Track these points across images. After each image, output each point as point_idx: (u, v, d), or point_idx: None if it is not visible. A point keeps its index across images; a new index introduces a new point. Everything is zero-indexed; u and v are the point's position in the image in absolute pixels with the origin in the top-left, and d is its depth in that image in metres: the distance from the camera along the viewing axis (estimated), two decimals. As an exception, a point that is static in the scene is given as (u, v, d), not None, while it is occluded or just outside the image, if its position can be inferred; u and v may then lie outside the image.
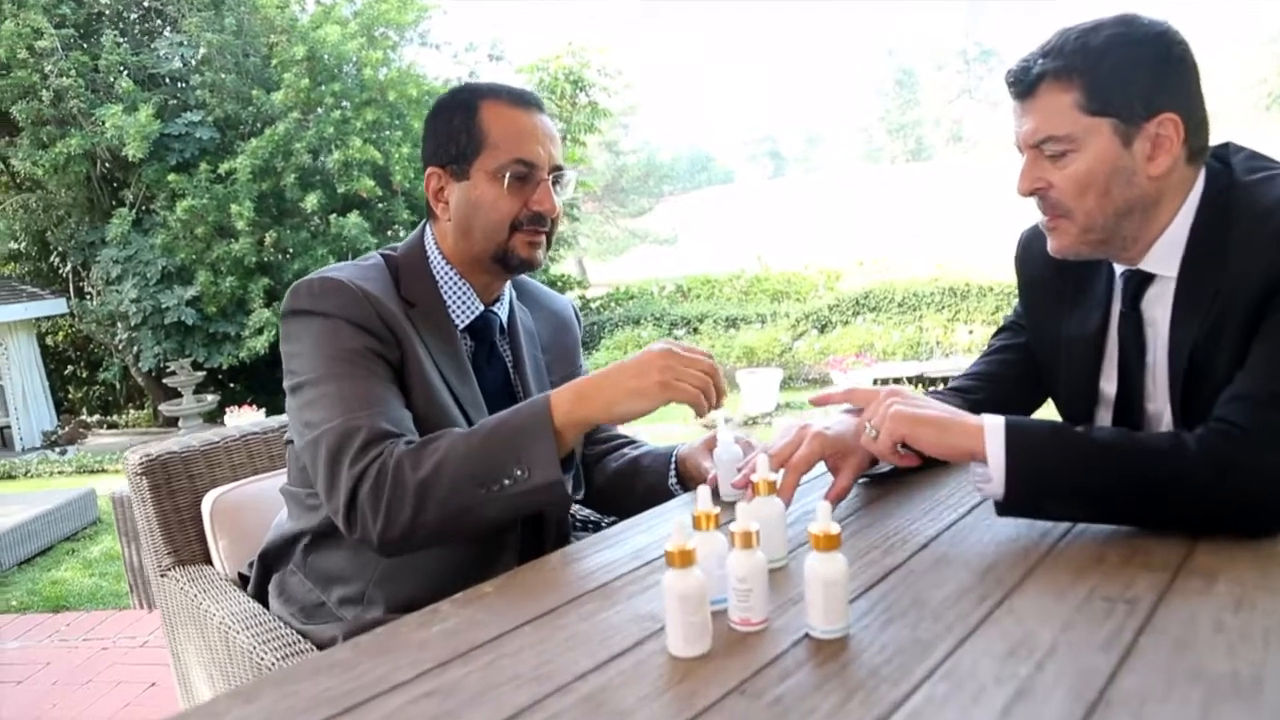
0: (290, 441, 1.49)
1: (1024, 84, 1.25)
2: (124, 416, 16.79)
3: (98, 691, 3.02)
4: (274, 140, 14.09)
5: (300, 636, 1.40)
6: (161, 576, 1.73)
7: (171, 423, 13.19)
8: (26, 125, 14.03)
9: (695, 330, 15.74)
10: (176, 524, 1.74)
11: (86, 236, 15.19)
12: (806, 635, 0.87)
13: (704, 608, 0.85)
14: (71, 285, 15.69)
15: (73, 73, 13.75)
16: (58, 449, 14.14)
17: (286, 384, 1.40)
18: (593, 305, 18.76)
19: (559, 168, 1.47)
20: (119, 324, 14.65)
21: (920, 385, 11.19)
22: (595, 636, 0.92)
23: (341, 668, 0.88)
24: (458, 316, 1.49)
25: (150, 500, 1.72)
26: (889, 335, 13.62)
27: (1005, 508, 1.10)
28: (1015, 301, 1.52)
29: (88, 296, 15.24)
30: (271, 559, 1.59)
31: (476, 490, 1.20)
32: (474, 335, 1.52)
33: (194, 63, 15.36)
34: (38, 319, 15.88)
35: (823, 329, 14.66)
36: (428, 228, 1.54)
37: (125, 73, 14.25)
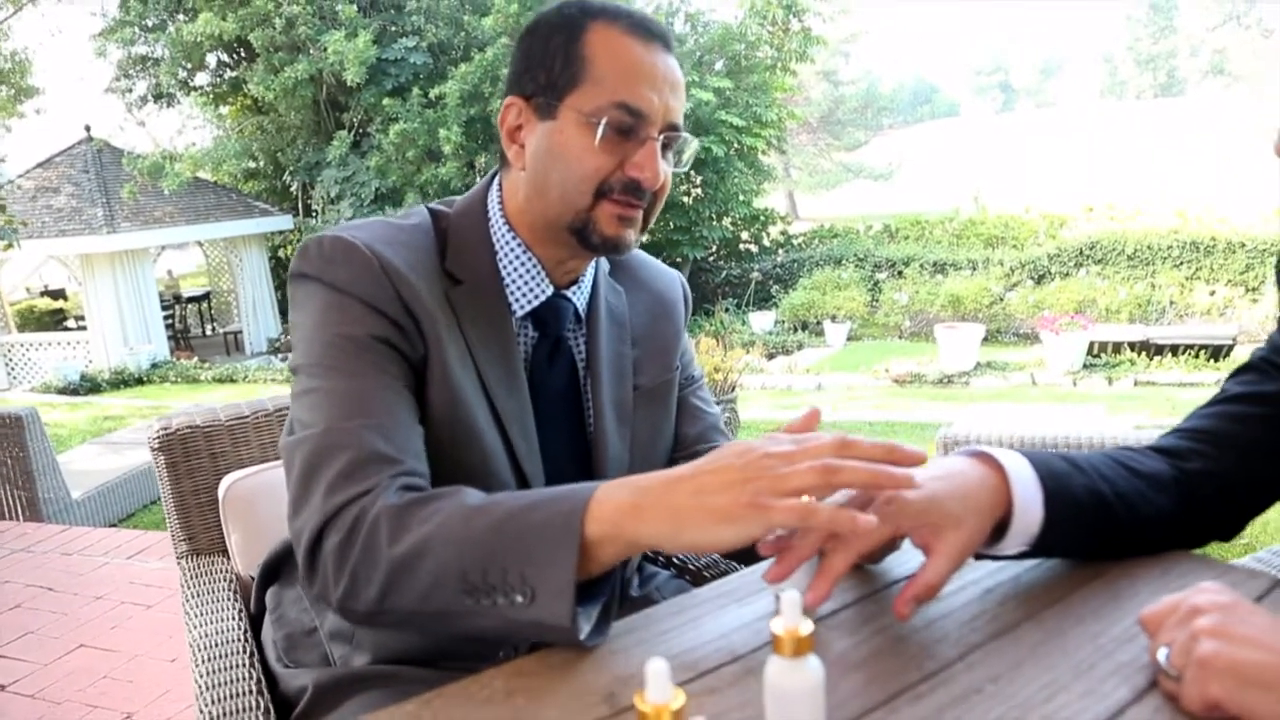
0: None
1: None
2: (340, 329, 17.85)
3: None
4: (483, 66, 14.29)
5: (261, 686, 1.14)
6: (177, 561, 1.54)
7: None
8: (262, 51, 14.90)
9: (900, 274, 14.85)
10: (195, 507, 1.54)
11: (311, 157, 16.10)
12: None
13: None
14: (300, 203, 16.72)
15: (302, 0, 14.39)
16: (279, 356, 15.24)
17: (289, 362, 1.12)
18: (795, 241, 18.11)
19: (675, 128, 1.08)
20: (336, 242, 15.49)
21: (1144, 352, 9.98)
22: None
23: None
24: (517, 300, 1.13)
25: (168, 479, 1.52)
26: (1114, 292, 12.26)
27: None
28: (1271, 325, 0.99)
29: (313, 214, 16.17)
30: (275, 567, 1.34)
31: (461, 596, 0.83)
32: (538, 324, 1.15)
33: (412, -13, 15.73)
34: (268, 233, 17.03)
35: (1039, 280, 13.43)
36: (495, 180, 1.18)
37: (348, -1, 14.76)
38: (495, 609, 0.81)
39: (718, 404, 5.61)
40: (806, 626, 0.63)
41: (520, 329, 1.14)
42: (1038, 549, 0.88)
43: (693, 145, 1.15)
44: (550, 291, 1.14)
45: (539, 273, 1.13)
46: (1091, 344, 9.77)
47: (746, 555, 1.13)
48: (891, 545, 0.91)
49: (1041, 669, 0.75)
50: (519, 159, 1.11)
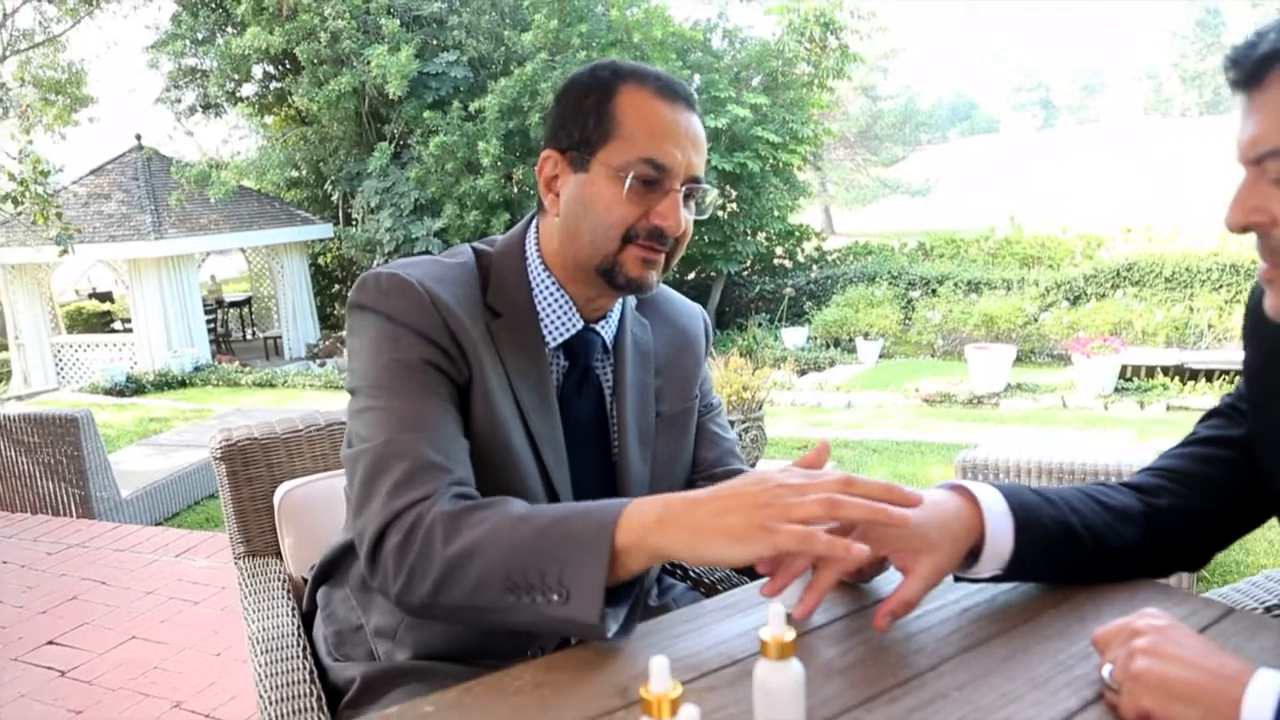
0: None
1: (1244, 69, 0.86)
2: (377, 336, 18.13)
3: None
4: (522, 80, 14.49)
5: (313, 676, 1.27)
6: (234, 562, 1.67)
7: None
8: (307, 64, 15.24)
9: (934, 292, 14.83)
10: (252, 513, 1.67)
11: (353, 168, 16.40)
12: None
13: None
14: (340, 212, 17.03)
15: (347, 15, 14.73)
16: (317, 361, 15.52)
17: (346, 382, 1.25)
18: (829, 257, 18.13)
19: (696, 180, 1.20)
20: (376, 250, 15.76)
21: (1179, 377, 9.92)
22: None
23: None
24: (550, 333, 1.25)
25: (228, 486, 1.66)
26: (1151, 314, 12.17)
27: None
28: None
29: (354, 223, 16.47)
30: (327, 570, 1.47)
31: (504, 594, 0.95)
32: (568, 355, 1.28)
33: (454, 3, 16.00)
34: (309, 241, 17.36)
35: (1074, 301, 13.36)
36: (534, 222, 1.30)
37: (392, 14, 15.05)
38: (534, 606, 0.93)
39: (745, 422, 5.71)
40: (789, 634, 0.75)
41: (553, 359, 1.26)
42: (1010, 573, 0.98)
43: (711, 195, 1.27)
44: (581, 325, 1.26)
45: (571, 308, 1.25)
46: (1125, 367, 9.74)
47: (755, 571, 1.25)
48: (880, 566, 1.02)
49: (1003, 679, 0.86)
50: (554, 206, 1.23)
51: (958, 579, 1.01)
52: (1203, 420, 1.14)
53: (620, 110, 1.17)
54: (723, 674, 0.88)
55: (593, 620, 0.90)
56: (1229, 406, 1.11)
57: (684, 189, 1.18)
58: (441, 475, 1.06)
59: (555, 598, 0.92)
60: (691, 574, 1.52)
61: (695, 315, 1.46)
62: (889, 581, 1.04)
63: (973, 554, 0.97)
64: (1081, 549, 1.00)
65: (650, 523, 0.92)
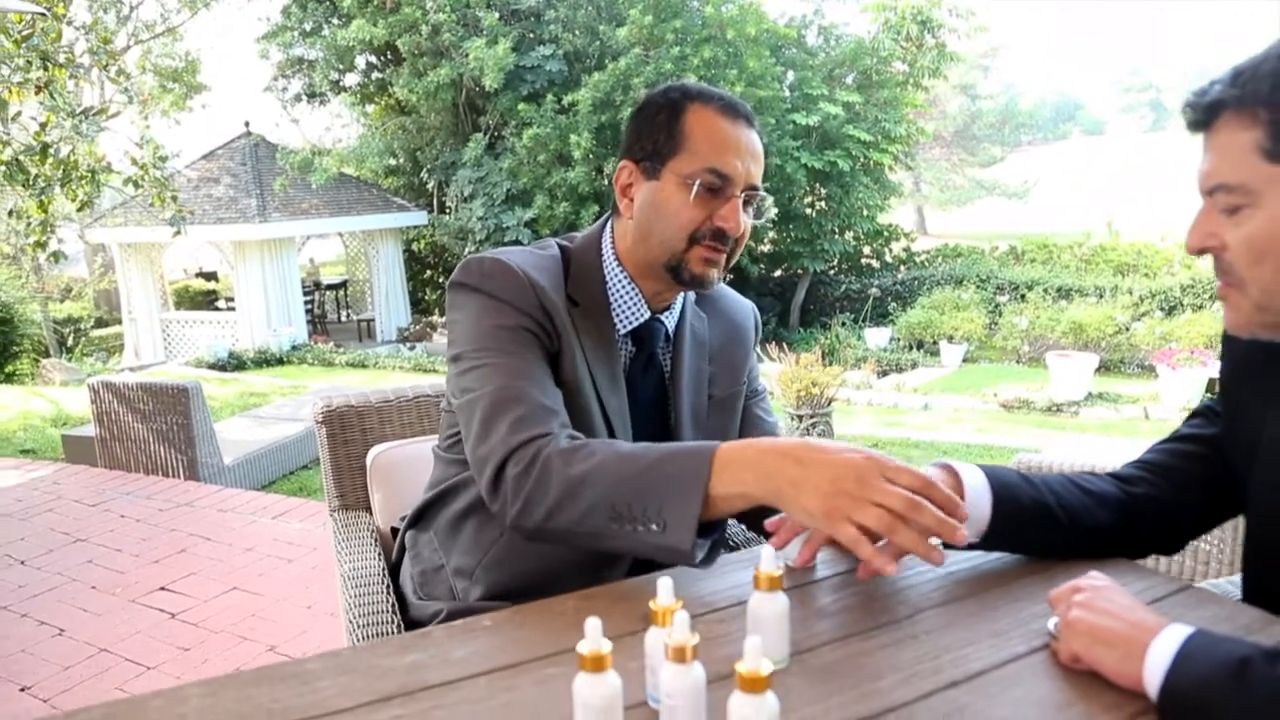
0: (447, 410, 1.53)
1: (1197, 112, 0.99)
2: (465, 322, 18.60)
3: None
4: (615, 75, 14.72)
5: (394, 609, 1.48)
6: (330, 514, 1.90)
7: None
8: (408, 56, 15.74)
9: (1022, 297, 14.59)
10: (347, 471, 1.90)
11: (448, 157, 16.87)
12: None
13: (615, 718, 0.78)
14: (435, 200, 17.55)
15: (447, 8, 15.15)
16: (407, 345, 16.06)
17: (447, 353, 1.44)
18: (917, 259, 17.95)
19: (754, 188, 1.37)
20: (467, 238, 16.21)
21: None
22: (513, 713, 0.87)
23: (299, 680, 0.92)
24: (621, 321, 1.43)
25: (326, 446, 1.89)
26: (1250, 328, 11.77)
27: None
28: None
29: (447, 211, 16.96)
30: (416, 518, 1.67)
31: (609, 522, 1.12)
32: (636, 341, 1.46)
33: (552, -2, 16.32)
34: (404, 228, 17.94)
35: (1169, 312, 13.00)
36: (609, 223, 1.49)
37: (491, 8, 15.43)
38: (635, 534, 1.11)
39: (813, 418, 5.84)
40: (778, 571, 0.91)
41: (622, 344, 1.45)
42: (988, 542, 1.13)
43: (768, 202, 1.44)
44: (647, 315, 1.44)
45: (639, 300, 1.44)
46: (1213, 380, 9.48)
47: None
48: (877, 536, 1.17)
49: (967, 629, 1.01)
50: (628, 210, 1.42)
51: (944, 546, 1.15)
52: (1186, 420, 1.26)
53: (688, 126, 1.35)
54: (728, 610, 1.05)
55: (686, 548, 1.07)
56: (1207, 408, 1.23)
57: (743, 195, 1.36)
58: (553, 418, 1.25)
59: (654, 527, 1.09)
60: (730, 544, 1.69)
61: (746, 310, 1.64)
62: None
63: None
64: (1057, 526, 1.13)
65: (741, 477, 1.07)
